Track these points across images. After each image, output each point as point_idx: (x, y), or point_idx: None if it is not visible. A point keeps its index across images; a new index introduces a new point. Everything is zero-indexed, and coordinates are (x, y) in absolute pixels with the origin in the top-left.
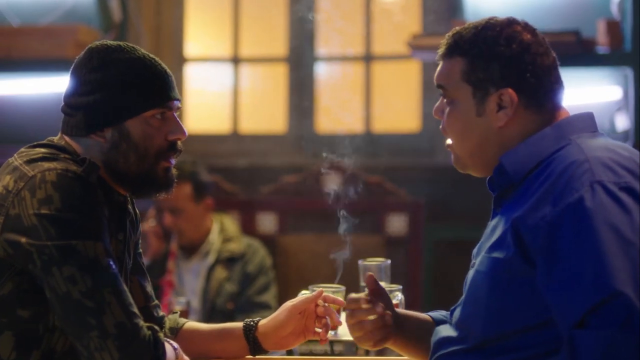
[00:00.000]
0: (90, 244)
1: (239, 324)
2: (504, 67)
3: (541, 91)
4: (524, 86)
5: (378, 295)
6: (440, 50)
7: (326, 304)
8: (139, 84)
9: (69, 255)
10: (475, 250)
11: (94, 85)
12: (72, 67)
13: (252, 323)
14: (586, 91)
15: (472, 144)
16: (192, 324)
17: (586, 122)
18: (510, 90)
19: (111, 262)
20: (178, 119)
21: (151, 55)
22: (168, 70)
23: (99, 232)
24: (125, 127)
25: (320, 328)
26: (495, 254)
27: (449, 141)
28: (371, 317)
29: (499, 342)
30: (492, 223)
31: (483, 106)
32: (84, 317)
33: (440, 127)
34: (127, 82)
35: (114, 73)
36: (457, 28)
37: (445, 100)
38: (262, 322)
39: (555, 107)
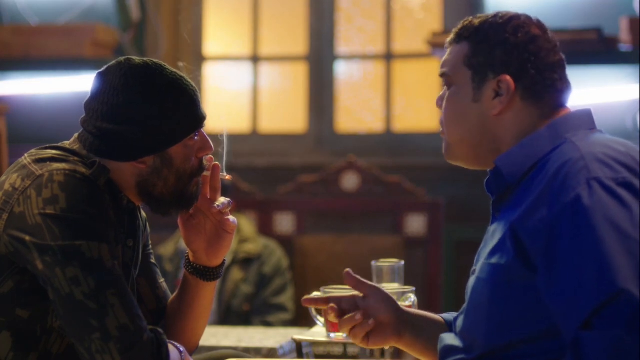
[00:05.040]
0: (94, 245)
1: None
2: (506, 53)
3: (540, 85)
4: (524, 76)
5: (366, 293)
6: (450, 37)
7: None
8: (180, 111)
9: (72, 256)
10: (476, 257)
11: (130, 114)
12: (98, 86)
13: (186, 258)
14: (608, 89)
15: (464, 130)
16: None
17: (583, 119)
18: (508, 77)
19: (116, 264)
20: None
21: (180, 74)
22: (194, 85)
23: (105, 234)
24: (169, 153)
25: (215, 200)
26: (495, 260)
27: (442, 128)
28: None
29: (504, 352)
30: (491, 228)
31: (480, 92)
32: (86, 319)
33: (439, 119)
34: (168, 110)
35: (151, 101)
36: (470, 17)
37: (446, 88)
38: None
39: (555, 105)
